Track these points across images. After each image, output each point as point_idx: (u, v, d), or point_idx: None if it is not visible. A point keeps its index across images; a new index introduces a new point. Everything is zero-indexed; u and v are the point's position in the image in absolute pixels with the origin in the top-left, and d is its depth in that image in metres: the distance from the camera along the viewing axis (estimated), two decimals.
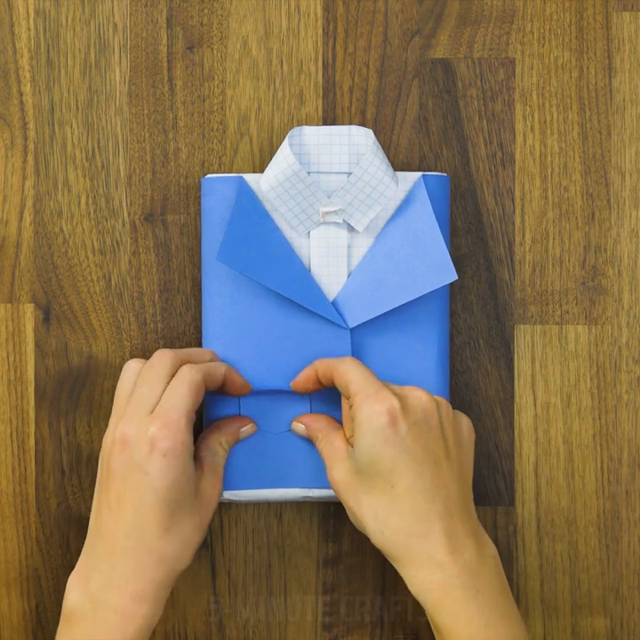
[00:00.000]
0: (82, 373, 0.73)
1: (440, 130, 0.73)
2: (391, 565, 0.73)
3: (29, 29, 0.73)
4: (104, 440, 0.66)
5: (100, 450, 0.73)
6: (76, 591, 0.64)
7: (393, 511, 0.63)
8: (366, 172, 0.67)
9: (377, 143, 0.68)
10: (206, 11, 0.73)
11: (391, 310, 0.69)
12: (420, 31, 0.73)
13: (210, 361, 0.68)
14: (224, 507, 0.73)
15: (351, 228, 0.69)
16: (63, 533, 0.73)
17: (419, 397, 0.64)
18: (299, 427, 0.69)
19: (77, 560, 0.65)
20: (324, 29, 0.73)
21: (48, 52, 0.73)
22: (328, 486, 0.69)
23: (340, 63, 0.73)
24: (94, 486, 0.73)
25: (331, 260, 0.69)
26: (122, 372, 0.67)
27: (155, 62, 0.73)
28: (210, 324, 0.70)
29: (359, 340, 0.69)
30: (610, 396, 0.73)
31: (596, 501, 0.73)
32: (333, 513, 0.73)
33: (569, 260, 0.73)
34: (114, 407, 0.67)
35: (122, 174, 0.73)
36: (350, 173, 0.68)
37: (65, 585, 0.65)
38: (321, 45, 0.73)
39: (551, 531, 0.73)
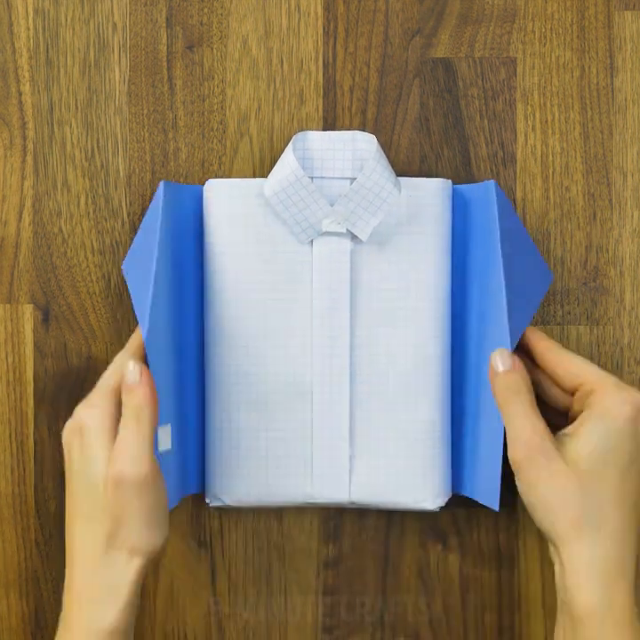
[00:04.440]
0: (81, 374, 0.73)
1: (441, 129, 0.73)
2: (391, 566, 0.73)
3: (28, 29, 0.73)
4: None
5: None
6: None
7: (618, 506, 0.60)
8: (369, 178, 0.67)
9: (380, 150, 0.67)
10: (206, 10, 0.73)
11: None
12: (420, 30, 0.72)
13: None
14: (223, 508, 0.73)
15: (354, 236, 0.69)
16: (62, 535, 0.73)
17: None
18: (504, 353, 0.63)
19: None
20: (324, 28, 0.73)
21: (47, 52, 0.73)
22: (331, 500, 0.70)
23: (341, 62, 0.73)
24: None
25: (333, 265, 0.69)
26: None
27: (154, 62, 0.73)
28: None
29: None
30: None
31: None
32: (333, 514, 0.73)
33: (570, 261, 0.73)
34: None
35: (121, 174, 0.73)
36: (354, 179, 0.68)
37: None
38: (321, 45, 0.73)
39: None
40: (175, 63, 0.73)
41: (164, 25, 0.73)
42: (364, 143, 0.68)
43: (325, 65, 0.73)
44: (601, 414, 0.61)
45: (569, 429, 0.62)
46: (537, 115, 0.73)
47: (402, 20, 0.73)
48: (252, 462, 0.69)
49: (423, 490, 0.69)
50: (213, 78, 0.73)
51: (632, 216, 0.73)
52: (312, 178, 0.68)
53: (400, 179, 0.69)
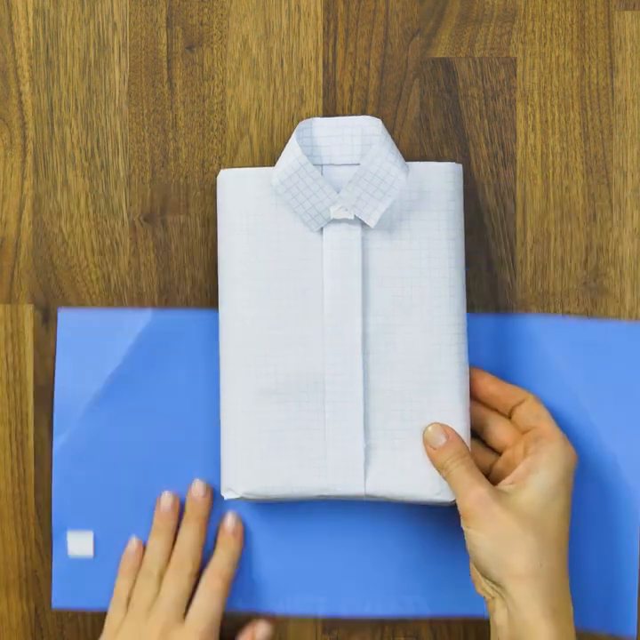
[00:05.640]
0: None
1: (441, 129, 0.73)
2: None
3: (28, 29, 0.73)
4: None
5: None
6: None
7: (555, 548, 0.65)
8: (373, 163, 0.66)
9: (386, 133, 0.66)
10: (206, 10, 0.73)
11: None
12: (420, 30, 0.72)
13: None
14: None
15: (364, 223, 0.68)
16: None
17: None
18: (436, 429, 0.68)
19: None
20: (324, 28, 0.73)
21: (47, 52, 0.73)
22: (346, 493, 0.68)
23: (341, 62, 0.73)
24: None
25: (344, 252, 0.68)
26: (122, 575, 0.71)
27: (154, 62, 0.73)
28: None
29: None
30: None
31: None
32: None
33: (571, 261, 0.73)
34: (130, 607, 0.70)
35: (121, 174, 0.73)
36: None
37: None
38: (321, 45, 0.73)
39: None
40: (175, 63, 0.73)
41: (164, 25, 0.73)
42: (371, 128, 0.67)
43: (325, 65, 0.73)
44: (548, 463, 0.66)
45: (510, 479, 0.67)
46: (537, 115, 0.73)
47: (402, 20, 0.72)
48: (266, 454, 0.68)
49: (440, 481, 0.68)
50: (213, 78, 0.73)
51: (632, 216, 0.73)
52: (321, 165, 0.67)
53: (409, 163, 0.68)
